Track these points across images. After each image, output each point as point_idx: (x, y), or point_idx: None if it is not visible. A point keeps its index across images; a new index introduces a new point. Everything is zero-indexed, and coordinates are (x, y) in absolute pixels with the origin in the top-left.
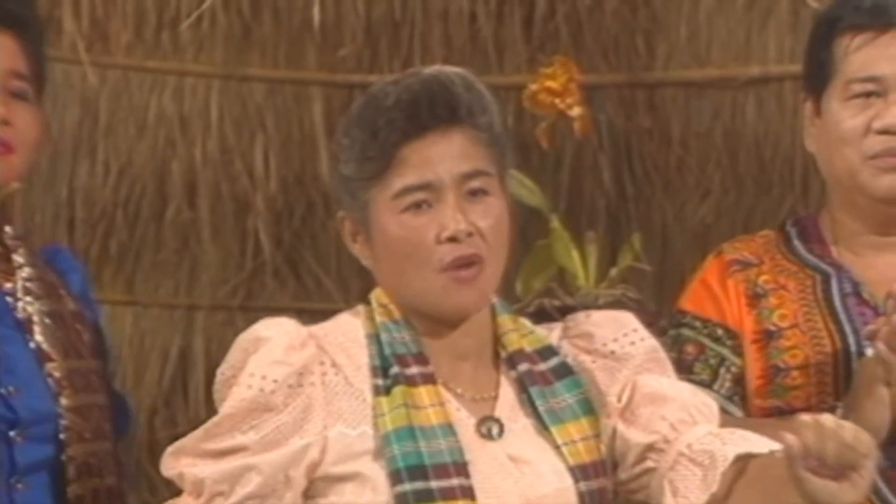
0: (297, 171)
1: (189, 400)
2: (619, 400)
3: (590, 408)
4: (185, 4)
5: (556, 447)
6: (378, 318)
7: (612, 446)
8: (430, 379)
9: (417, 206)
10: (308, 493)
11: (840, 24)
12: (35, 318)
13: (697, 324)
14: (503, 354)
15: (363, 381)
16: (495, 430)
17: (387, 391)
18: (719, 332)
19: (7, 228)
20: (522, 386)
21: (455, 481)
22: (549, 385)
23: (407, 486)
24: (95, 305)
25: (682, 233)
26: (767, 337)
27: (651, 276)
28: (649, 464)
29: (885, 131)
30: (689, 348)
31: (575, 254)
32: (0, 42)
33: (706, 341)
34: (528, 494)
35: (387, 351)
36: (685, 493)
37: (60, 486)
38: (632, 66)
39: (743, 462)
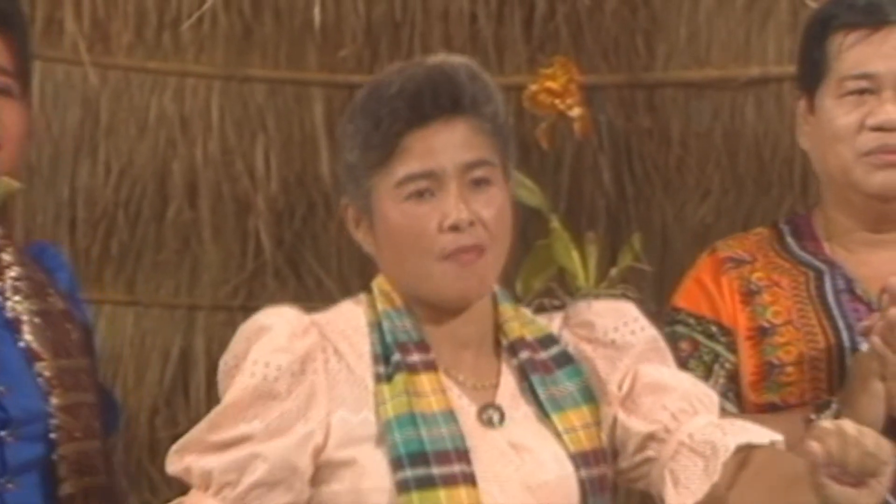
0: (298, 171)
1: (190, 400)
2: (620, 388)
3: (590, 396)
4: (186, 5)
5: (557, 434)
6: (380, 306)
7: (612, 435)
8: (431, 366)
9: (420, 194)
10: (313, 481)
11: (834, 21)
12: (24, 318)
13: (691, 321)
14: (504, 343)
15: (365, 368)
16: (496, 418)
17: (388, 379)
18: (713, 328)
19: None
20: (523, 374)
21: (457, 468)
22: (550, 373)
23: (408, 473)
24: (83, 303)
25: (682, 233)
26: (761, 333)
27: (651, 277)
28: (650, 453)
29: (878, 128)
30: (684, 345)
31: (575, 254)
32: None
33: (700, 338)
34: (529, 481)
35: (388, 338)
36: (686, 483)
37: (51, 486)
38: (632, 67)
39: (744, 453)
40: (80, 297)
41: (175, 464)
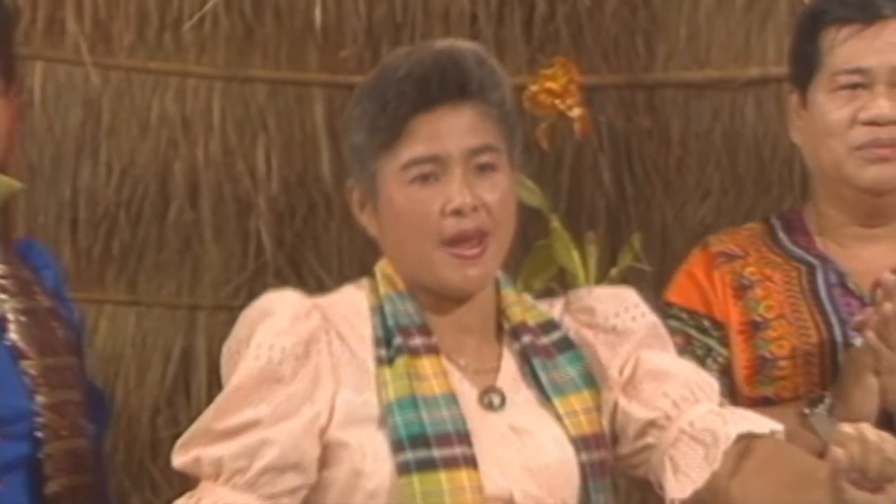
0: (299, 171)
1: (191, 399)
2: (621, 374)
3: (591, 381)
4: (188, 6)
5: (558, 418)
6: (382, 290)
7: (613, 420)
8: (433, 350)
9: (425, 178)
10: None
11: (826, 16)
12: (10, 316)
13: (684, 315)
14: (506, 327)
15: (366, 351)
16: (497, 401)
17: (390, 362)
18: (706, 323)
19: None
20: (525, 358)
21: (458, 450)
22: (552, 358)
23: (409, 455)
24: (70, 301)
25: (682, 233)
26: (754, 328)
27: (651, 277)
28: (650, 440)
29: (871, 122)
30: (676, 339)
31: (575, 254)
32: None
33: (693, 332)
34: (530, 464)
35: (390, 322)
36: (686, 471)
37: (37, 484)
38: (632, 68)
39: (745, 442)
40: (67, 294)
41: (182, 457)
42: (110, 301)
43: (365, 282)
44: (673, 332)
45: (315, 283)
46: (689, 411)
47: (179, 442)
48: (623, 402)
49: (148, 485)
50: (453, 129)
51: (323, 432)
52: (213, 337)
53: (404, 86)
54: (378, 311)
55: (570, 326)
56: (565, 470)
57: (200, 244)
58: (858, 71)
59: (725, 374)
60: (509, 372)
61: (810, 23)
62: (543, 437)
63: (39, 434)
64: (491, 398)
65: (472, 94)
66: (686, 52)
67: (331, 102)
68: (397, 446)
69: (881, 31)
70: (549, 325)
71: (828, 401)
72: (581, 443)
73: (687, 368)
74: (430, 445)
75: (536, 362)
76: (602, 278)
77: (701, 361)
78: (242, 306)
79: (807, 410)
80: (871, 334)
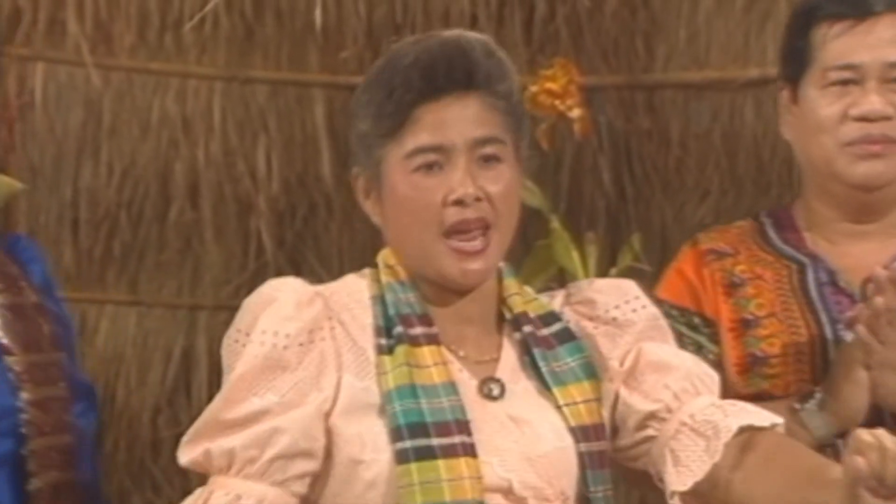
0: (300, 171)
1: (192, 399)
2: (622, 364)
3: (592, 372)
4: (188, 7)
5: (558, 408)
6: (384, 279)
7: (613, 411)
8: (433, 340)
9: (429, 167)
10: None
11: (818, 12)
12: None
13: (674, 312)
14: (508, 316)
15: (367, 340)
16: (496, 391)
17: (390, 350)
18: (696, 320)
19: None
20: (525, 348)
21: (457, 439)
22: (552, 349)
23: (407, 444)
24: (58, 296)
25: (682, 233)
26: (744, 326)
27: (650, 277)
28: (650, 432)
29: (862, 118)
30: None
31: (575, 254)
32: None
33: (683, 329)
34: (529, 453)
35: (391, 311)
36: (686, 463)
37: (21, 481)
38: (631, 68)
39: (747, 434)
40: (56, 290)
41: (190, 452)
42: (111, 301)
43: (367, 271)
44: None
45: (315, 283)
46: (689, 403)
47: (186, 438)
48: (624, 393)
49: (149, 484)
50: (459, 119)
51: (327, 418)
52: (214, 337)
53: (411, 73)
54: (379, 300)
55: (571, 318)
56: (564, 459)
57: (201, 244)
58: (850, 67)
59: (716, 370)
60: (509, 362)
61: (802, 19)
62: (542, 427)
63: (23, 430)
64: (490, 388)
65: (478, 84)
66: (685, 52)
67: (331, 103)
68: (396, 435)
69: (873, 28)
70: (550, 317)
71: (818, 396)
72: (580, 433)
73: (688, 360)
74: (428, 434)
75: (537, 352)
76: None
77: None
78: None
79: (797, 405)
80: (862, 329)
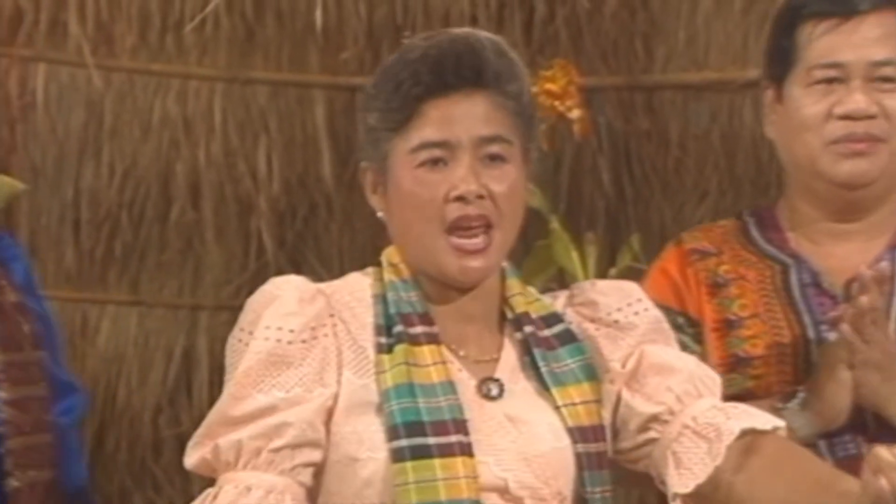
0: (300, 172)
1: (193, 399)
2: (624, 366)
3: (592, 373)
4: (189, 8)
5: (556, 408)
6: (387, 277)
7: (615, 412)
8: (433, 339)
9: (434, 162)
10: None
11: (804, 10)
12: None
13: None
14: (510, 315)
15: (367, 338)
16: (495, 391)
17: (389, 349)
18: (680, 320)
19: None
20: (526, 348)
21: (454, 438)
22: (553, 350)
23: (404, 442)
24: (40, 294)
25: (681, 234)
26: (728, 326)
27: None
28: (652, 434)
29: (846, 117)
30: None
31: (574, 254)
32: None
33: None
34: (526, 453)
35: (392, 310)
36: (688, 465)
37: None
38: (631, 69)
39: (749, 437)
40: (38, 288)
41: (198, 451)
42: (112, 301)
43: (370, 270)
44: None
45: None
46: (692, 406)
47: (193, 441)
48: (626, 395)
49: (150, 484)
50: (466, 116)
51: (330, 413)
52: (215, 337)
53: (419, 67)
54: (381, 298)
55: (573, 319)
56: (561, 459)
57: (202, 244)
58: (835, 65)
59: None
60: (508, 362)
61: (787, 17)
62: (540, 427)
63: (1, 430)
64: (489, 388)
65: (488, 82)
66: (684, 54)
67: (331, 104)
68: (392, 433)
69: (858, 27)
70: (552, 318)
71: (801, 395)
72: (578, 433)
73: (690, 363)
74: (425, 433)
75: (537, 353)
76: (601, 278)
77: None
78: (244, 306)
79: (780, 405)
80: (846, 328)
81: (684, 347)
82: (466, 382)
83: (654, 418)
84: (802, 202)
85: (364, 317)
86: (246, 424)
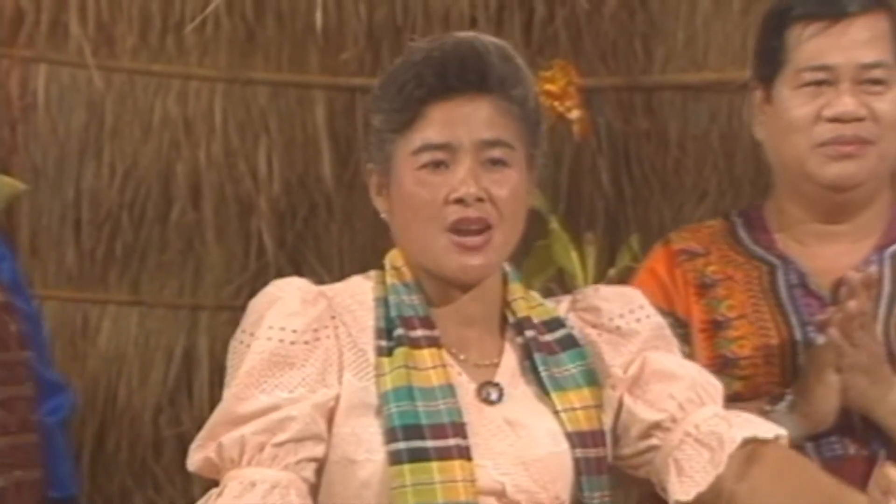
0: (300, 172)
1: (194, 399)
2: (626, 372)
3: (593, 379)
4: (190, 9)
5: (555, 413)
6: (389, 280)
7: (616, 418)
8: (434, 342)
9: (436, 165)
10: None
11: (793, 12)
12: None
13: None
14: (511, 319)
15: (367, 342)
16: (494, 395)
17: (389, 352)
18: (668, 320)
19: None
20: (527, 352)
21: (452, 441)
22: (554, 355)
23: (401, 445)
24: (27, 294)
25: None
26: (715, 327)
27: None
28: (654, 441)
29: (835, 119)
30: None
31: (574, 255)
32: None
33: None
34: (524, 456)
35: (393, 313)
36: (690, 473)
37: None
38: (630, 70)
39: (751, 446)
40: (25, 288)
41: (201, 452)
42: (113, 301)
43: (373, 273)
44: None
45: (316, 284)
46: (694, 414)
47: (195, 444)
48: (628, 401)
49: (151, 483)
50: (468, 120)
51: (331, 414)
52: (216, 337)
53: (422, 69)
54: (383, 302)
55: (575, 324)
56: (559, 463)
57: (202, 245)
58: (824, 68)
59: None
60: (509, 367)
61: (777, 19)
62: (538, 431)
63: None
64: (489, 392)
65: (492, 87)
66: (684, 54)
67: (332, 104)
68: (390, 436)
69: (847, 29)
70: (555, 323)
71: (789, 398)
72: (577, 438)
73: (693, 370)
74: (423, 436)
75: (538, 357)
76: (600, 279)
77: None
78: (244, 306)
79: (767, 407)
80: (834, 331)
81: None
82: (466, 386)
83: (656, 425)
84: (790, 203)
85: (365, 320)
86: (249, 422)
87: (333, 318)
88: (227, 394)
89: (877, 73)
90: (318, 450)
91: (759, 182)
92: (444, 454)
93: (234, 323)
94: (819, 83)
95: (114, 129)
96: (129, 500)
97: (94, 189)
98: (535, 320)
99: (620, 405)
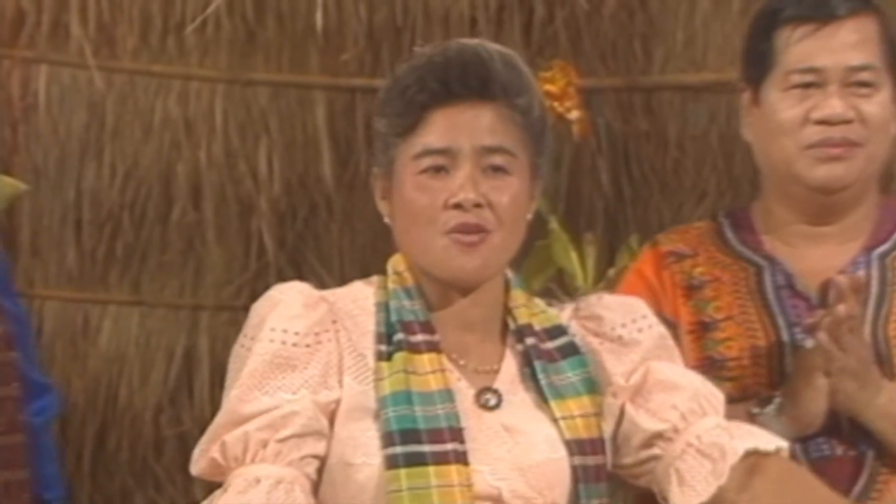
0: (301, 173)
1: (194, 399)
2: (628, 381)
3: (593, 387)
4: (190, 9)
5: (554, 420)
6: (390, 285)
7: (617, 426)
8: (434, 347)
9: (436, 170)
10: None
11: (782, 15)
12: None
13: None
14: (512, 326)
15: (367, 346)
16: (493, 401)
17: (388, 357)
18: None
19: None
20: (527, 359)
21: (449, 446)
22: (554, 362)
23: (398, 449)
24: (14, 294)
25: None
26: (703, 328)
27: None
28: (656, 451)
29: (823, 122)
30: None
31: (573, 255)
32: None
33: None
34: (521, 462)
35: (393, 318)
36: (692, 483)
37: None
38: (629, 71)
39: (753, 458)
40: (12, 288)
41: (205, 455)
42: (114, 301)
43: (375, 278)
44: None
45: (316, 284)
46: (696, 424)
47: (198, 448)
48: (630, 409)
49: (151, 483)
50: (470, 125)
51: (332, 416)
52: (216, 337)
53: (425, 74)
54: (384, 307)
55: (578, 332)
56: (556, 470)
57: (203, 245)
58: (812, 70)
59: None
60: (508, 373)
61: (765, 21)
62: (536, 437)
63: None
64: (487, 398)
65: (495, 94)
66: (683, 55)
67: (332, 105)
68: (387, 440)
69: (836, 32)
70: (556, 330)
71: (777, 401)
72: (575, 446)
73: (695, 380)
74: (420, 440)
75: (538, 365)
76: (600, 279)
77: None
78: (244, 306)
79: (756, 410)
80: (822, 335)
81: None
82: (465, 392)
83: (658, 435)
84: (777, 204)
85: (365, 325)
86: (251, 420)
87: (334, 322)
88: (229, 396)
89: (865, 76)
90: (320, 446)
91: (758, 182)
92: (440, 459)
93: (235, 323)
94: (807, 85)
95: (115, 130)
96: (129, 500)
97: (94, 189)
98: (537, 328)
99: (622, 414)
